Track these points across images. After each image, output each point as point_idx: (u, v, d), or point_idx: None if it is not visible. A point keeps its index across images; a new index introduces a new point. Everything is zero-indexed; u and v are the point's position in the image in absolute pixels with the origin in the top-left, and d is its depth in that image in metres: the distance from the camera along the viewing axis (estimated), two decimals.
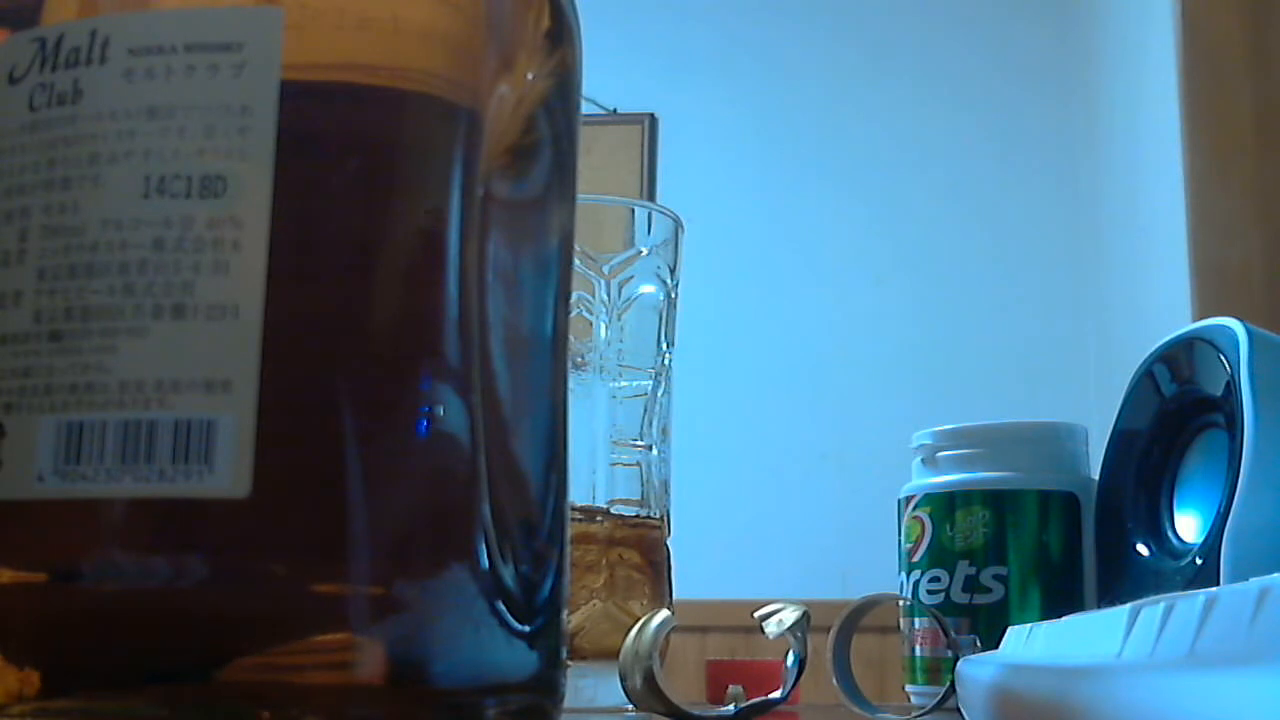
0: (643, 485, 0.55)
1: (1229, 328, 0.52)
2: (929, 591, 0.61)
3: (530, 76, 0.29)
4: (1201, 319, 0.57)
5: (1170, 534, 0.55)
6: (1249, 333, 0.51)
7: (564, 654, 0.29)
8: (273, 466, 0.24)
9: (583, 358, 0.54)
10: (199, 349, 0.24)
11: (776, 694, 0.44)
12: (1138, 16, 1.61)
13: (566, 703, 0.29)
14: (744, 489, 2.08)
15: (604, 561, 0.53)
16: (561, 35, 0.30)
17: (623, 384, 0.55)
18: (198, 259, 0.25)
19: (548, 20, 0.30)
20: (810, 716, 0.60)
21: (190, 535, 0.24)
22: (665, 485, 0.57)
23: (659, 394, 0.57)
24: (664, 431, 0.57)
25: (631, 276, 0.56)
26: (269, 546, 0.25)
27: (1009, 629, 0.40)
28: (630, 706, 0.43)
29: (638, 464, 0.55)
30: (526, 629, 0.27)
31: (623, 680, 0.41)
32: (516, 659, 0.27)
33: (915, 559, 0.62)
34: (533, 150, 0.30)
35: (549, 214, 0.30)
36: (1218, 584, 0.48)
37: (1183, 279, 1.25)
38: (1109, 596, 0.57)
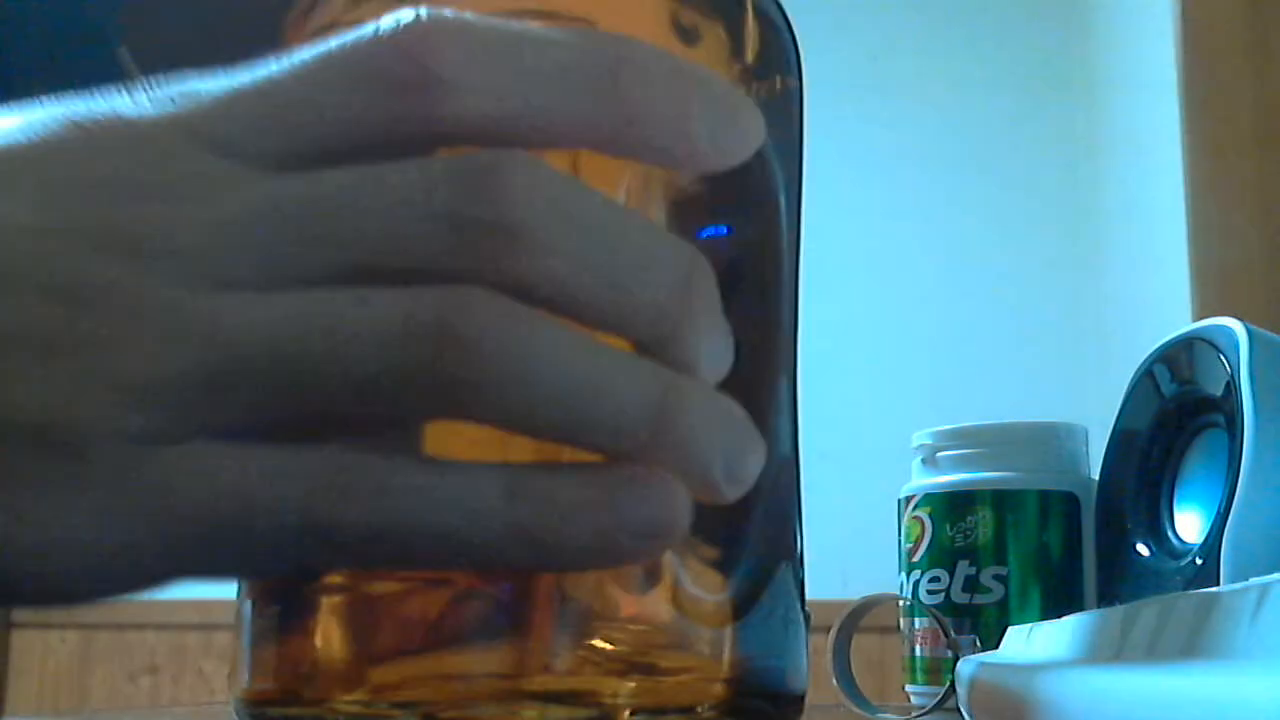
0: None
1: (1229, 328, 0.52)
2: (929, 591, 0.61)
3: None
4: (1201, 319, 0.57)
5: (1170, 534, 0.54)
6: (1249, 333, 0.51)
7: None
8: None
9: None
10: None
11: None
12: (1138, 16, 1.61)
13: None
14: None
15: None
16: (772, 62, 0.30)
17: None
18: None
19: (755, 49, 0.30)
20: (810, 716, 0.60)
21: None
22: None
23: None
24: None
25: None
26: None
27: (1009, 629, 0.40)
28: None
29: None
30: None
31: None
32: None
33: (915, 559, 0.62)
34: None
35: None
36: (1218, 584, 0.48)
37: (1183, 279, 1.25)
38: (1109, 596, 0.57)
